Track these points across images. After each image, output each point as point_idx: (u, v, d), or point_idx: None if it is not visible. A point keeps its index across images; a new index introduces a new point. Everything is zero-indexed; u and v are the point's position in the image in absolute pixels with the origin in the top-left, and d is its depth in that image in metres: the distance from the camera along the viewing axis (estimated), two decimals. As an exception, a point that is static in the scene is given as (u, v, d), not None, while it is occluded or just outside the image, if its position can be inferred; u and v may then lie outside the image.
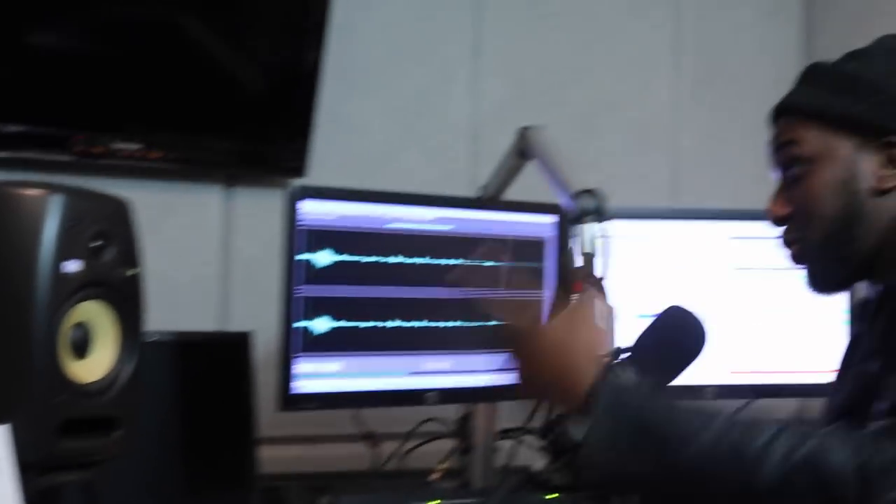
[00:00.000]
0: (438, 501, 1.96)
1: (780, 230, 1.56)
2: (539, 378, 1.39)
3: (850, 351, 1.59)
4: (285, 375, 2.01)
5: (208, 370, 2.06)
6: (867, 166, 1.47)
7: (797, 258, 1.54)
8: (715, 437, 1.25)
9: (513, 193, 2.32)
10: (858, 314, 1.59)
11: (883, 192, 1.46)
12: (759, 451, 1.21)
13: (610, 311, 1.61)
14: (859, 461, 1.17)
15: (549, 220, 2.28)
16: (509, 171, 2.19)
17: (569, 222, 1.76)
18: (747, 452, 1.22)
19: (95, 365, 1.51)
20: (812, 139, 1.49)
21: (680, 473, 1.26)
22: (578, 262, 1.69)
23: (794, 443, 1.21)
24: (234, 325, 2.42)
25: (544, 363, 1.37)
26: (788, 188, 1.53)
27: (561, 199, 1.82)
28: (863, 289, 1.58)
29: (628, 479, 1.30)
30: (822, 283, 1.54)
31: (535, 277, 2.27)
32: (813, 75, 1.54)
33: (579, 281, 1.53)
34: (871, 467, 1.16)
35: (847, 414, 1.45)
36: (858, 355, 1.51)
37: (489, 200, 2.28)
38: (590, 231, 1.70)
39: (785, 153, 1.52)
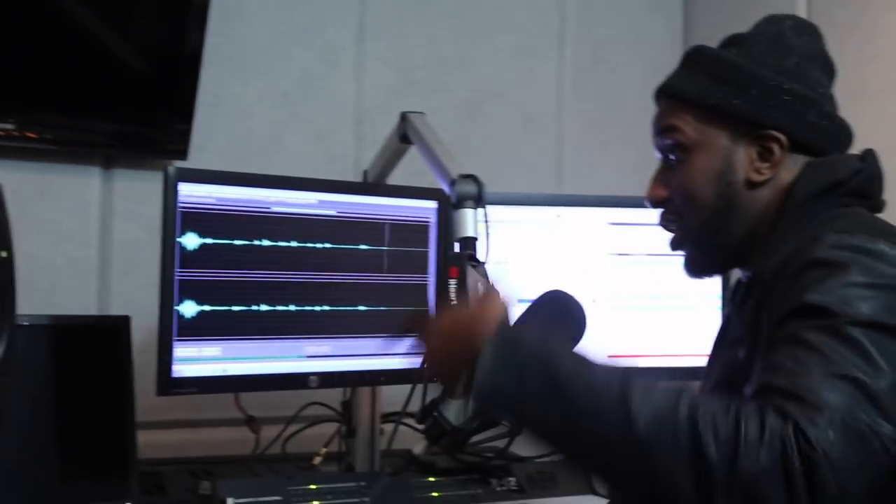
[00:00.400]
0: (313, 486, 1.96)
1: (659, 212, 1.59)
2: (444, 354, 1.42)
3: (721, 334, 1.63)
4: (165, 360, 1.99)
5: (85, 355, 2.03)
6: (742, 158, 1.50)
7: (675, 243, 1.58)
8: (605, 377, 1.25)
9: (402, 178, 2.32)
10: (731, 297, 1.64)
11: (756, 185, 1.50)
12: (641, 397, 1.21)
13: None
14: (727, 428, 1.18)
15: (433, 205, 2.29)
16: (391, 156, 2.19)
17: (449, 207, 1.77)
18: (632, 396, 1.22)
19: (-35, 349, 1.48)
20: (690, 127, 1.52)
21: (564, 400, 1.25)
22: (456, 247, 1.70)
23: (669, 399, 1.21)
24: (115, 309, 2.38)
25: (450, 340, 1.41)
26: (668, 172, 1.56)
27: (441, 184, 1.83)
28: (737, 273, 1.62)
29: (514, 403, 1.29)
30: (698, 267, 1.59)
31: (419, 262, 2.28)
32: (695, 60, 1.57)
33: (455, 266, 1.53)
34: (739, 433, 1.17)
35: None
36: (728, 340, 1.54)
37: (373, 185, 2.29)
38: (469, 216, 1.71)
39: (665, 138, 1.54)
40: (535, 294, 1.58)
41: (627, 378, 1.25)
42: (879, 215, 1.50)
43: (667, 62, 1.69)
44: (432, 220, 2.30)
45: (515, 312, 1.45)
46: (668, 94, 1.57)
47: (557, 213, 2.39)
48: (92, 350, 2.04)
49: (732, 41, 1.58)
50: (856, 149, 1.57)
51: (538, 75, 2.97)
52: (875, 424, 1.19)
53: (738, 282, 1.60)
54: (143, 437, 2.09)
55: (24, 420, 1.90)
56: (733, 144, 1.51)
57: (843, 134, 1.56)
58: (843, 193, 1.46)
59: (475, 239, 1.69)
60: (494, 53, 2.90)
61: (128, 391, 2.04)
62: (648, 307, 2.40)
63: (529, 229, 2.37)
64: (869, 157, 1.53)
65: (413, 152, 2.09)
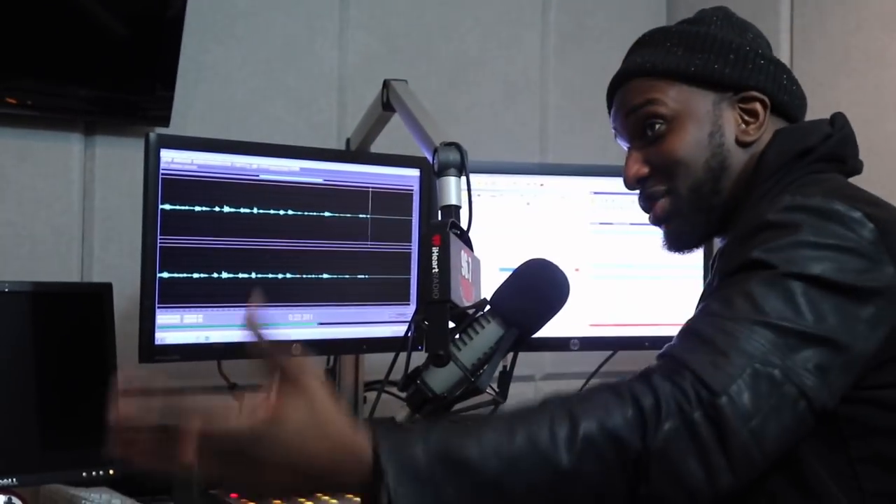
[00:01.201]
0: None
1: (639, 190, 1.58)
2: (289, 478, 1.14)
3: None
4: (147, 327, 1.99)
5: (67, 322, 2.02)
6: (729, 120, 1.51)
7: (662, 215, 1.56)
8: (506, 436, 1.17)
9: (385, 146, 2.32)
10: (710, 266, 1.64)
11: (745, 144, 1.51)
12: (548, 439, 1.16)
13: (476, 263, 1.63)
14: (629, 413, 1.17)
15: (415, 173, 2.29)
16: (374, 124, 2.19)
17: (432, 175, 1.76)
18: (540, 443, 1.16)
19: (-55, 316, 1.47)
20: (672, 98, 1.52)
21: (487, 486, 1.15)
22: (438, 215, 1.69)
23: (570, 422, 1.17)
24: (97, 277, 2.38)
25: (293, 463, 1.12)
26: (646, 148, 1.55)
27: (424, 152, 1.83)
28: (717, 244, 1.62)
29: None
30: (685, 240, 1.57)
31: (402, 230, 2.28)
32: (661, 37, 1.57)
33: (437, 234, 1.53)
34: (642, 411, 1.17)
35: None
36: None
37: (355, 153, 2.28)
38: (451, 184, 1.70)
39: (644, 113, 1.53)
40: (517, 263, 1.58)
41: (526, 422, 1.18)
42: (859, 176, 1.51)
43: (651, 30, 1.68)
44: (415, 188, 2.29)
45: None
46: (644, 72, 1.55)
47: (541, 181, 2.39)
48: (74, 317, 2.03)
49: (688, 22, 1.59)
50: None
51: (522, 43, 2.96)
52: (790, 371, 1.21)
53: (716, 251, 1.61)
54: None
55: (6, 387, 1.90)
56: (717, 108, 1.52)
57: (805, 101, 1.59)
58: (814, 160, 1.47)
59: (458, 207, 1.69)
60: (478, 21, 2.89)
61: (110, 358, 2.04)
62: (632, 276, 2.41)
63: (513, 198, 2.37)
64: (839, 120, 1.54)
65: (396, 120, 2.08)
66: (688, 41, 1.54)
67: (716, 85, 1.52)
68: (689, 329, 1.28)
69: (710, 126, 1.51)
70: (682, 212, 1.54)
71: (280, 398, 1.13)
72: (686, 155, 1.51)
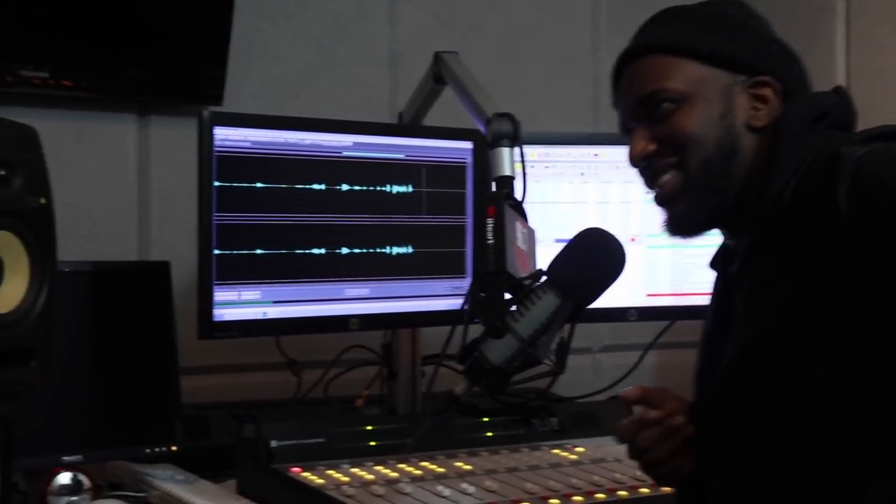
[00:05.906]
0: (356, 428, 1.96)
1: (643, 167, 1.52)
2: None
3: (722, 313, 1.56)
4: (205, 304, 2.00)
5: (127, 300, 2.04)
6: (740, 103, 1.47)
7: (671, 192, 1.50)
8: None
9: (437, 119, 2.31)
10: (722, 265, 1.59)
11: (755, 129, 1.47)
12: None
13: (531, 233, 1.63)
14: None
15: (468, 145, 2.28)
16: (426, 97, 2.18)
17: (485, 146, 1.76)
18: None
19: (8, 296, 1.49)
20: (685, 76, 1.47)
21: None
22: (492, 186, 1.69)
23: None
24: (154, 256, 2.40)
25: None
26: (654, 127, 1.49)
27: (477, 124, 1.82)
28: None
29: None
30: (688, 221, 1.52)
31: (456, 203, 2.28)
32: (678, 15, 1.53)
33: (492, 206, 1.52)
34: None
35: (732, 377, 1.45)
36: (732, 322, 1.49)
37: (408, 126, 2.28)
38: (505, 155, 1.70)
39: (655, 90, 1.48)
40: (572, 234, 1.57)
41: None
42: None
43: (704, -2, 1.66)
44: (469, 160, 2.29)
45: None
46: (658, 48, 1.50)
47: (595, 151, 2.38)
48: (133, 295, 2.05)
49: (704, 4, 1.55)
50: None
51: (573, 12, 2.94)
52: None
53: (725, 248, 1.56)
54: (186, 382, 2.11)
55: (68, 366, 1.92)
56: (729, 90, 1.47)
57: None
58: (829, 125, 1.44)
59: (512, 178, 1.68)
60: (528, -9, 2.88)
61: (170, 336, 2.06)
62: (688, 244, 2.37)
63: (566, 168, 2.36)
64: (842, 91, 1.51)
65: (448, 93, 2.07)
66: (705, 20, 1.50)
67: (730, 66, 1.47)
68: None
69: (721, 107, 1.46)
70: (691, 189, 1.48)
71: None
72: (696, 131, 1.45)
